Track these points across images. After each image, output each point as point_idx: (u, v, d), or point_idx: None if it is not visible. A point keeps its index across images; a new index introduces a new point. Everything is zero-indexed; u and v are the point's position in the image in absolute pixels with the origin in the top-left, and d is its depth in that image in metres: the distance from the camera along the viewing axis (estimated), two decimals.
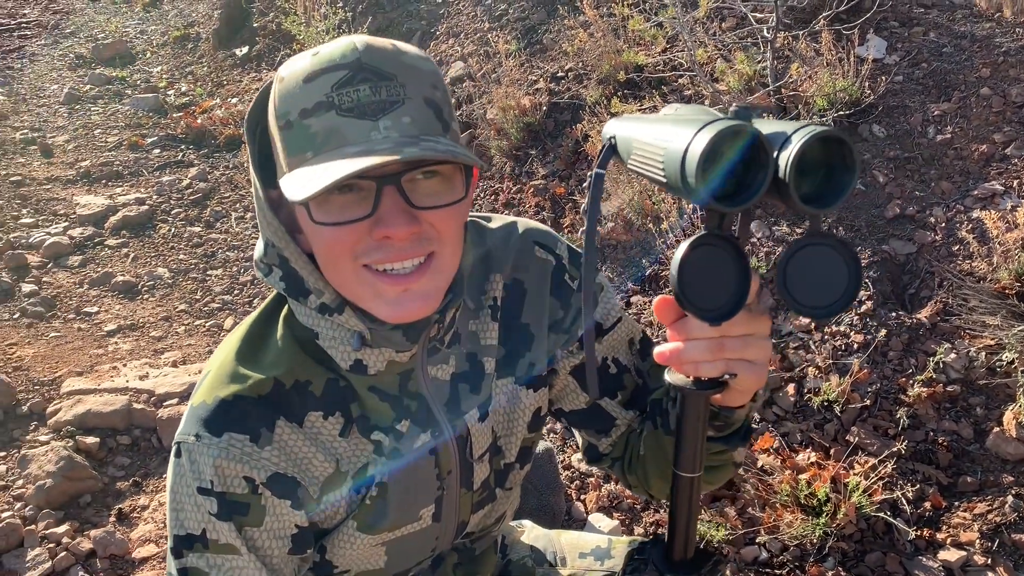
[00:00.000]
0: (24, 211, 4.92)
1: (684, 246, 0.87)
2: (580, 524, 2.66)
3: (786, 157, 0.82)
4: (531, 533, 1.69)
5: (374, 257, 1.01)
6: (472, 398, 1.25)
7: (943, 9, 4.14)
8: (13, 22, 8.79)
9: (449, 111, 1.05)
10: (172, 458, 1.13)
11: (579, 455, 2.96)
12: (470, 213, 1.28)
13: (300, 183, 0.95)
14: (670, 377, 1.01)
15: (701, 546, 2.49)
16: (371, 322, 1.08)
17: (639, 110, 3.90)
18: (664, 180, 0.89)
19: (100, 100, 6.75)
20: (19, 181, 5.28)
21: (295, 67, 1.01)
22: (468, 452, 1.26)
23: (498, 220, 1.33)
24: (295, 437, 1.14)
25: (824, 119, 3.43)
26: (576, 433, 1.42)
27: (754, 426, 2.77)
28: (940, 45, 3.88)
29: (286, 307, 1.17)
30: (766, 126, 0.87)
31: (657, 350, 0.98)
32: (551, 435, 3.03)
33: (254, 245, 4.65)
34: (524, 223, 1.33)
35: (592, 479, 2.79)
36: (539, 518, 2.46)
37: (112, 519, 2.78)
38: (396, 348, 1.12)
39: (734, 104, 0.90)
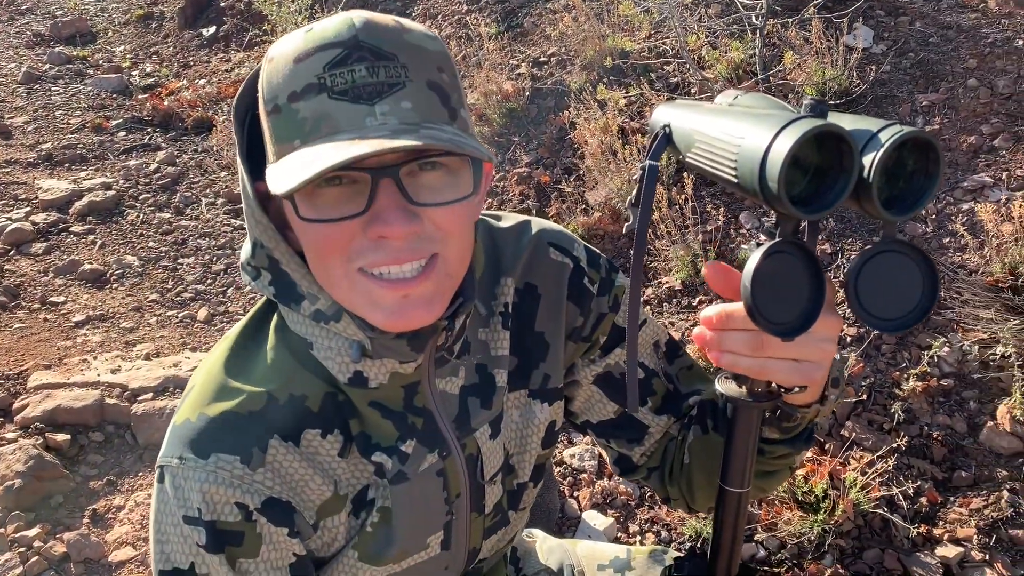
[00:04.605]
0: None
1: (758, 255, 0.80)
2: (574, 521, 2.60)
3: (871, 159, 0.76)
4: (544, 544, 1.61)
5: (369, 259, 0.89)
6: (483, 413, 1.14)
7: None
8: None
9: (459, 97, 0.94)
10: (155, 483, 1.03)
11: (571, 451, 2.91)
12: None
13: (283, 174, 0.85)
14: (721, 387, 0.94)
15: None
16: (371, 331, 0.97)
17: (624, 98, 3.83)
18: (735, 180, 0.82)
19: (60, 80, 6.51)
20: None
21: (286, 46, 0.91)
22: (479, 473, 1.17)
23: (509, 219, 1.22)
24: (290, 458, 1.03)
25: None
26: (605, 445, 1.31)
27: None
28: (927, 35, 3.86)
29: (276, 313, 1.06)
30: (846, 123, 0.80)
31: (696, 331, 0.91)
32: None
33: (225, 233, 4.57)
34: (538, 223, 1.23)
35: (584, 476, 2.73)
36: (533, 517, 2.40)
37: (86, 521, 2.66)
38: (400, 359, 1.01)
39: (807, 98, 0.83)
